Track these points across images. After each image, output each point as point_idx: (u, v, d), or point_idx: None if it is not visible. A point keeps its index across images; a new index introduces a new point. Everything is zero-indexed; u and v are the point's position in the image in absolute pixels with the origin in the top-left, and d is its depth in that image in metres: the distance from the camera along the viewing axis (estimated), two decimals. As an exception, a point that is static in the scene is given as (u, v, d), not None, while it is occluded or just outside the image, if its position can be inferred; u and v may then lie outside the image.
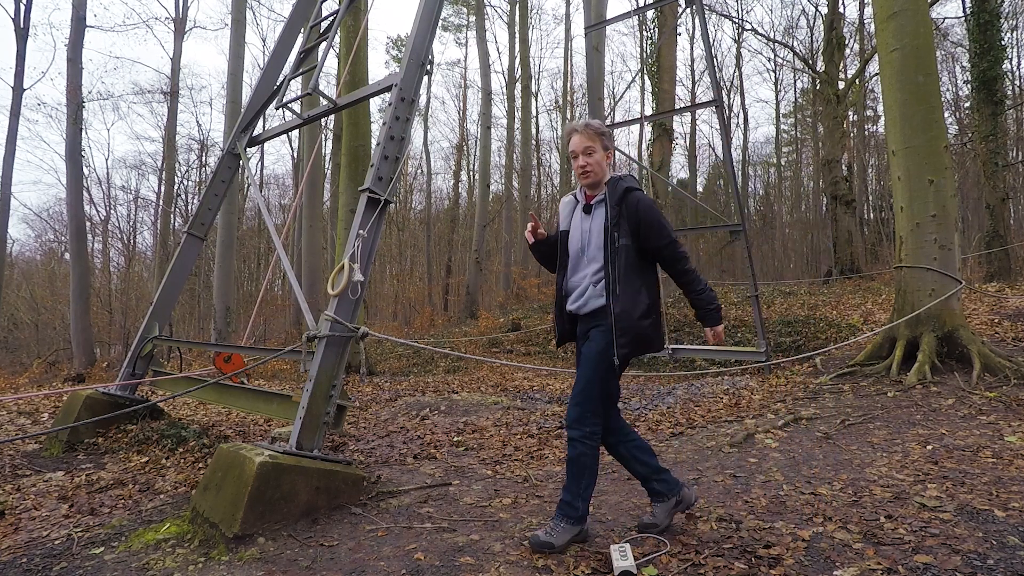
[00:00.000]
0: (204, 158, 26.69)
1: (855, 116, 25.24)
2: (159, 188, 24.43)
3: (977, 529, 2.55)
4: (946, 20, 21.75)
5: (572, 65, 28.05)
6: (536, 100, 28.90)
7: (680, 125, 26.22)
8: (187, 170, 26.71)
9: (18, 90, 14.62)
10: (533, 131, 27.72)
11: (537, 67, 30.43)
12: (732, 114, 29.12)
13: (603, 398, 2.60)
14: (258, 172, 28.61)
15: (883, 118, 7.71)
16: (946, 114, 17.18)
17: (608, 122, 13.45)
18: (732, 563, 2.37)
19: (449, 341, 14.86)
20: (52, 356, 17.48)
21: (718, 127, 24.08)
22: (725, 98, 27.48)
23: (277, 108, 4.77)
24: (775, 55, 26.98)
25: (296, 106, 5.04)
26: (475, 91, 28.94)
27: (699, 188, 30.31)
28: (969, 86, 14.49)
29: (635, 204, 2.56)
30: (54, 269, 28.31)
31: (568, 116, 28.38)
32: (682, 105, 22.18)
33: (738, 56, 28.84)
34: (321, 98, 4.42)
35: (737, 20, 24.96)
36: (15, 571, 2.64)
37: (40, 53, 28.35)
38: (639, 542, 2.63)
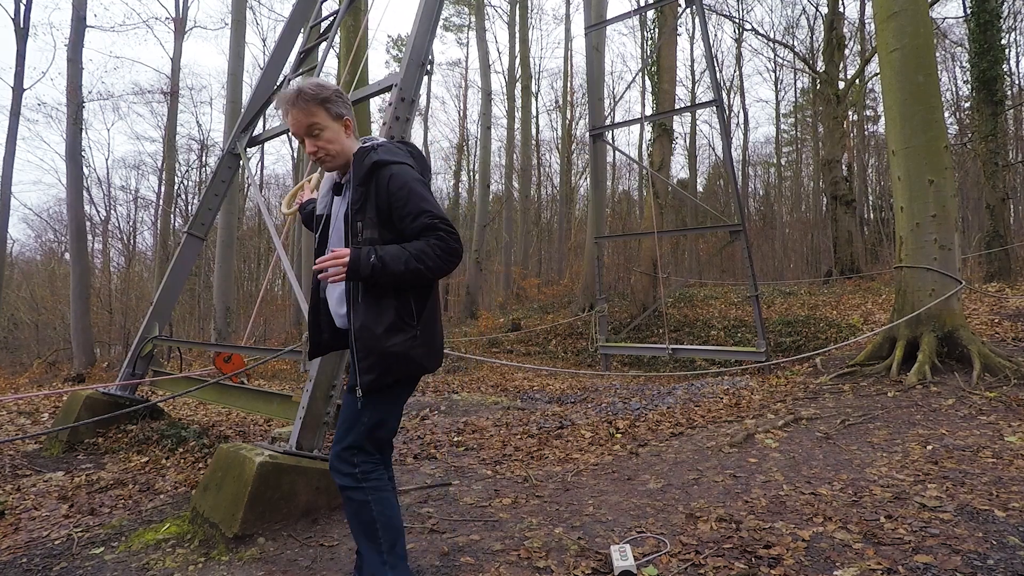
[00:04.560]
0: (204, 158, 26.70)
1: (855, 116, 25.24)
2: (159, 188, 24.42)
3: (977, 529, 2.55)
4: (946, 20, 21.79)
5: (572, 65, 28.04)
6: (536, 100, 28.89)
7: (680, 125, 26.26)
8: (187, 170, 26.70)
9: (18, 90, 14.62)
10: (533, 131, 27.72)
11: (537, 67, 30.43)
12: (732, 114, 29.13)
13: (372, 430, 1.98)
14: (258, 172, 28.60)
15: (883, 118, 7.71)
16: (946, 114, 17.15)
17: (608, 122, 13.46)
18: (732, 563, 2.37)
19: (449, 341, 14.86)
20: (52, 356, 17.44)
21: (718, 127, 24.12)
22: (725, 98, 27.46)
23: (277, 108, 4.77)
24: (775, 55, 27.01)
25: (296, 106, 5.02)
26: (475, 91, 28.96)
27: (699, 188, 30.33)
28: (969, 86, 14.50)
29: (386, 181, 1.88)
30: (54, 269, 28.26)
31: (568, 116, 28.39)
32: (682, 105, 22.16)
33: (738, 56, 28.86)
34: (321, 98, 4.41)
35: (737, 20, 24.97)
36: (15, 571, 2.64)
37: (40, 53, 28.38)
38: (639, 542, 2.63)
